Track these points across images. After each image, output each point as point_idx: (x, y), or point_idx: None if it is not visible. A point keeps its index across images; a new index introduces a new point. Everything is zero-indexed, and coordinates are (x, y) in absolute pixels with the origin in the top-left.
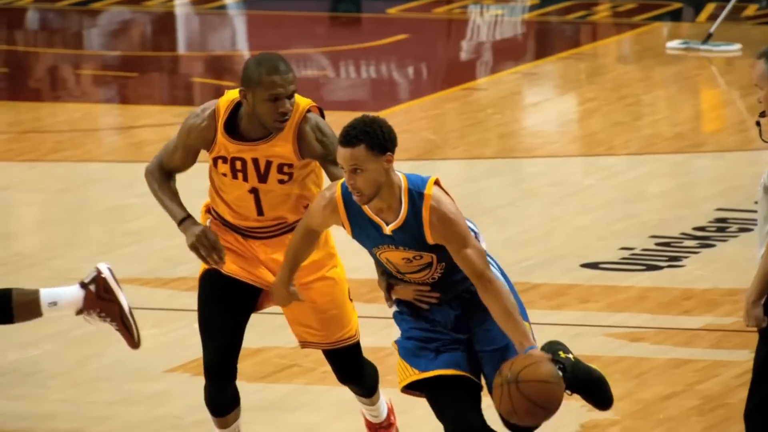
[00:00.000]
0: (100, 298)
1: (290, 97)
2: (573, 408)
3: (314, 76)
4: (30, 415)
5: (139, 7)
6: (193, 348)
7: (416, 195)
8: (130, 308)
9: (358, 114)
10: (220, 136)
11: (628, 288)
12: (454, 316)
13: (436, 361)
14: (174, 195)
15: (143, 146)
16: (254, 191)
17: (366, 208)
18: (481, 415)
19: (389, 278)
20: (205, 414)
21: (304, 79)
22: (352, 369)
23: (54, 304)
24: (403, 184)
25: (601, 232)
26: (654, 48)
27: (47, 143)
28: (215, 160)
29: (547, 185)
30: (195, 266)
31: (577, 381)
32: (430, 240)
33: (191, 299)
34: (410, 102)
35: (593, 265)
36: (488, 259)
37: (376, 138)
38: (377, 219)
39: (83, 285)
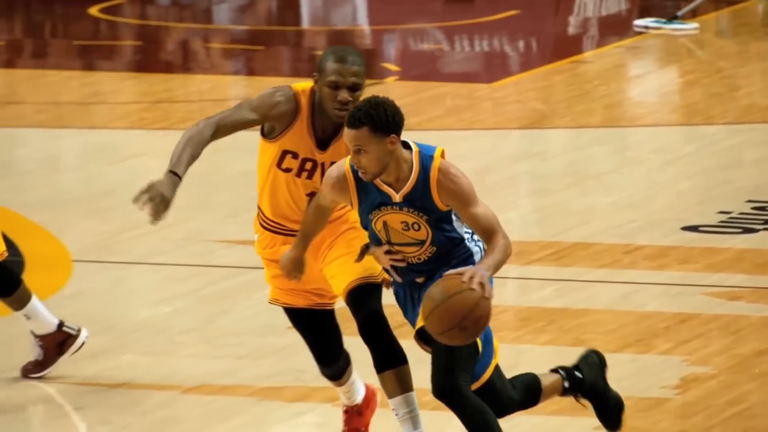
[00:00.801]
0: (57, 350)
1: (352, 88)
2: (673, 362)
3: (430, 49)
4: (160, 369)
5: None
6: None
7: (426, 158)
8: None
9: (472, 86)
10: (304, 128)
11: (725, 249)
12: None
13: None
14: (191, 157)
15: None
16: (311, 195)
17: (376, 181)
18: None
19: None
20: None
21: (421, 53)
22: (374, 315)
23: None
24: (414, 148)
25: (700, 196)
26: (750, 24)
27: (178, 112)
28: (283, 153)
29: (650, 152)
30: None
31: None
32: (439, 202)
33: None
34: (520, 74)
35: (693, 228)
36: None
37: (379, 121)
38: (387, 189)
39: (59, 325)
